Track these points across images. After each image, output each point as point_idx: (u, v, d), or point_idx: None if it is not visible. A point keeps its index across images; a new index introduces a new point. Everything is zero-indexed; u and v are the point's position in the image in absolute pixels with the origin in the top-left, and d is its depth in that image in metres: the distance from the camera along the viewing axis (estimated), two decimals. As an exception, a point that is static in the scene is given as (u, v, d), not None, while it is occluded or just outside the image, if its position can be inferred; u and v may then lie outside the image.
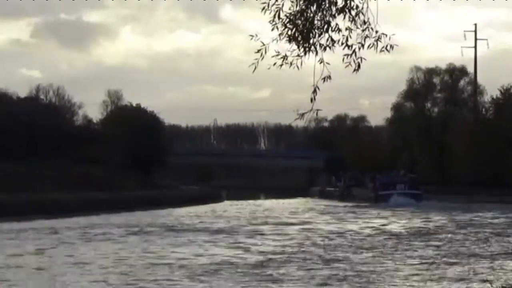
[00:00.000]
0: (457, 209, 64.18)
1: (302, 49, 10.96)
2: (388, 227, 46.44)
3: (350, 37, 10.97)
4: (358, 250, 32.36)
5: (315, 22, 10.93)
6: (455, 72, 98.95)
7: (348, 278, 24.17)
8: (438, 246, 34.08)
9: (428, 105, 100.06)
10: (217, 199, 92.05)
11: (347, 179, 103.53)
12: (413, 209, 67.36)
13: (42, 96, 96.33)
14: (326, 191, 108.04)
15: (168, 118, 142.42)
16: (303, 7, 10.89)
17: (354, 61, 11.02)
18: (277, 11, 10.85)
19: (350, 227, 46.90)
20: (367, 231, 43.52)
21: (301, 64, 11.05)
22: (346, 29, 10.95)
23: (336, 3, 10.91)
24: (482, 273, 24.97)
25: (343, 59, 11.04)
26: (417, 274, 24.85)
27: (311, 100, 10.95)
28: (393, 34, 11.00)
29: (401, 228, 45.52)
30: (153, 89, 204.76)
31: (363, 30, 10.94)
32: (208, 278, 24.24)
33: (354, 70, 11.06)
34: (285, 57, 11.00)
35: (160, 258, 29.84)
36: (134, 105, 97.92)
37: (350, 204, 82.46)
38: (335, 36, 10.97)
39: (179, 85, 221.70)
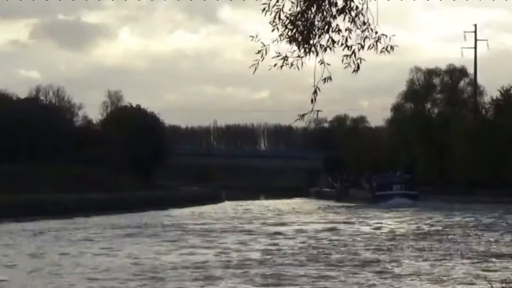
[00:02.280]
0: (454, 210, 64.20)
1: (302, 50, 10.97)
2: (386, 227, 46.44)
3: (350, 37, 10.98)
4: (358, 251, 32.39)
5: (316, 23, 10.93)
6: (455, 73, 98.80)
7: (350, 277, 24.23)
8: (436, 246, 34.12)
9: (428, 105, 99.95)
10: (217, 200, 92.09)
11: (344, 180, 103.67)
12: (409, 210, 67.51)
13: (42, 97, 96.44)
14: (323, 191, 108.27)
15: (168, 119, 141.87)
16: (304, 8, 10.89)
17: (353, 62, 11.01)
18: (277, 12, 10.85)
19: (349, 227, 46.95)
20: (366, 231, 43.55)
21: (302, 65, 11.05)
22: (346, 29, 10.95)
23: (336, 4, 10.91)
24: (482, 273, 25.01)
25: (342, 60, 11.04)
26: (417, 274, 24.87)
27: (312, 101, 10.94)
28: (393, 35, 10.99)
29: (400, 228, 45.53)
30: (152, 90, 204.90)
31: (362, 31, 10.94)
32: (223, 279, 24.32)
33: (354, 71, 11.05)
34: (285, 58, 11.00)
35: (164, 259, 29.87)
36: (134, 106, 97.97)
37: (346, 204, 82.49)
38: (336, 36, 10.98)
39: (179, 85, 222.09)
